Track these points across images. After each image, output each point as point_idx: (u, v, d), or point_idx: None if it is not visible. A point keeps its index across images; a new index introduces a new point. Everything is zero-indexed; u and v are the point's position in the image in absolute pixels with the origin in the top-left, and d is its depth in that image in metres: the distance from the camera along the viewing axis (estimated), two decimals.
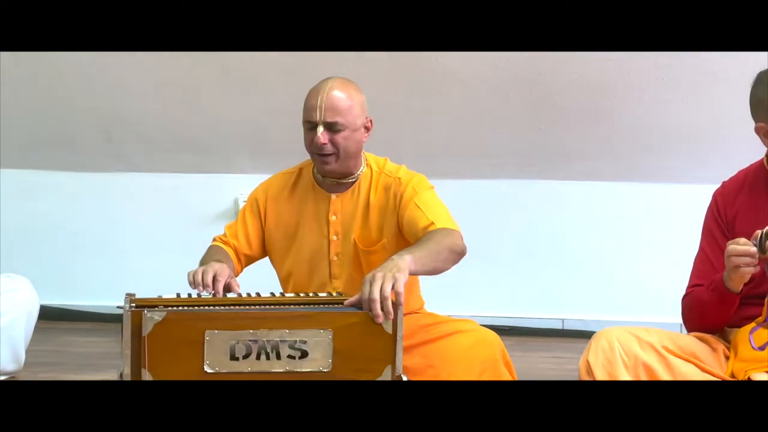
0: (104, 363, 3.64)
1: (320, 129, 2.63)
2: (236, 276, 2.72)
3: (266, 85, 4.08)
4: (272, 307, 2.31)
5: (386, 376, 2.22)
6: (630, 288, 4.40)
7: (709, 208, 2.64)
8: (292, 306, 2.30)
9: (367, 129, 2.72)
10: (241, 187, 4.41)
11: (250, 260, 2.85)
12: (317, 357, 2.19)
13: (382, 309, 2.20)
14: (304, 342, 2.18)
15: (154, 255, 4.51)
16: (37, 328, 3.45)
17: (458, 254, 2.55)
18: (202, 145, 4.41)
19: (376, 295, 2.21)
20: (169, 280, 3.89)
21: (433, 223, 2.58)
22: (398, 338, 2.22)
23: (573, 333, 4.39)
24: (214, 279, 2.50)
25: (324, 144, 2.63)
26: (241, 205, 4.34)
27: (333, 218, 2.75)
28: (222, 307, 2.26)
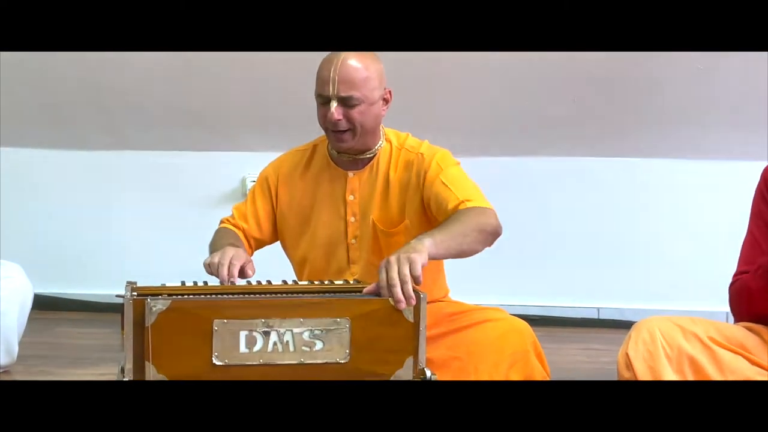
0: (103, 356, 3.65)
1: (334, 104, 2.61)
2: None
3: (275, 55, 4.07)
4: (285, 294, 2.32)
5: (408, 368, 2.22)
6: (671, 274, 4.39)
7: (758, 188, 2.63)
8: (306, 293, 2.30)
9: (386, 101, 2.70)
10: (248, 165, 4.41)
11: (260, 244, 2.86)
12: (334, 347, 2.19)
13: (403, 293, 2.20)
14: (320, 331, 2.19)
15: (156, 239, 4.52)
16: (30, 319, 3.47)
17: (490, 234, 2.53)
18: (207, 121, 4.41)
19: (395, 278, 2.21)
20: (171, 265, 3.91)
21: (463, 202, 2.57)
22: (421, 328, 2.22)
23: (609, 323, 4.38)
24: (230, 265, 2.50)
25: (338, 120, 2.62)
26: (249, 185, 4.38)
27: (350, 198, 2.74)
28: (231, 295, 2.27)
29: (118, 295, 3.94)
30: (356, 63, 2.62)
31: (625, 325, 3.64)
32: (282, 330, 2.17)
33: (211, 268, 2.51)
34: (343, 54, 2.63)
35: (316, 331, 2.19)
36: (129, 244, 4.55)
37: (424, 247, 2.32)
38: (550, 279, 4.47)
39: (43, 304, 4.10)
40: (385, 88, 2.69)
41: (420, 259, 2.25)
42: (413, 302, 2.20)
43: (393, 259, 2.25)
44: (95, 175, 4.56)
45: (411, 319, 2.22)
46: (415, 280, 2.22)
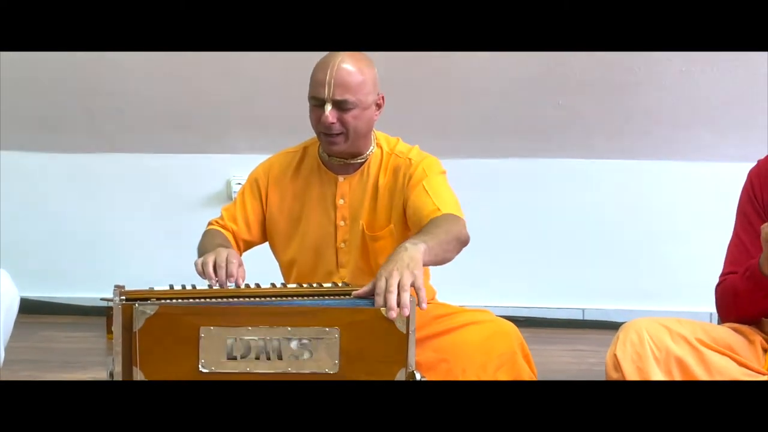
0: (89, 360, 3.63)
1: (328, 107, 2.60)
2: None
3: (260, 57, 4.04)
4: (274, 299, 2.26)
5: (399, 379, 2.17)
6: (656, 275, 4.39)
7: (744, 189, 2.62)
8: (296, 299, 2.25)
9: (379, 106, 2.69)
10: (233, 168, 4.40)
11: (248, 246, 2.84)
12: (322, 357, 2.15)
13: (399, 302, 2.17)
14: (309, 341, 2.14)
15: (142, 241, 4.50)
16: (16, 323, 3.43)
17: (463, 243, 2.54)
18: (192, 123, 4.38)
19: (394, 285, 2.18)
20: (157, 268, 3.89)
21: (438, 209, 2.56)
22: (411, 331, 2.19)
23: (594, 324, 4.39)
24: (229, 263, 2.46)
25: (332, 123, 2.60)
26: (234, 187, 4.35)
27: (340, 202, 2.73)
28: (219, 300, 2.22)
29: (102, 299, 3.92)
30: (351, 67, 2.60)
31: (610, 326, 3.64)
32: (269, 338, 2.14)
33: (204, 269, 2.47)
34: (339, 57, 2.61)
35: (305, 341, 2.14)
36: (114, 247, 4.52)
37: (421, 255, 2.29)
38: (535, 280, 4.46)
39: (28, 308, 4.06)
40: (378, 94, 2.68)
41: (421, 274, 2.24)
42: (407, 312, 2.17)
43: (396, 272, 2.21)
44: (81, 178, 4.54)
45: (403, 330, 2.17)
46: (419, 293, 2.19)
